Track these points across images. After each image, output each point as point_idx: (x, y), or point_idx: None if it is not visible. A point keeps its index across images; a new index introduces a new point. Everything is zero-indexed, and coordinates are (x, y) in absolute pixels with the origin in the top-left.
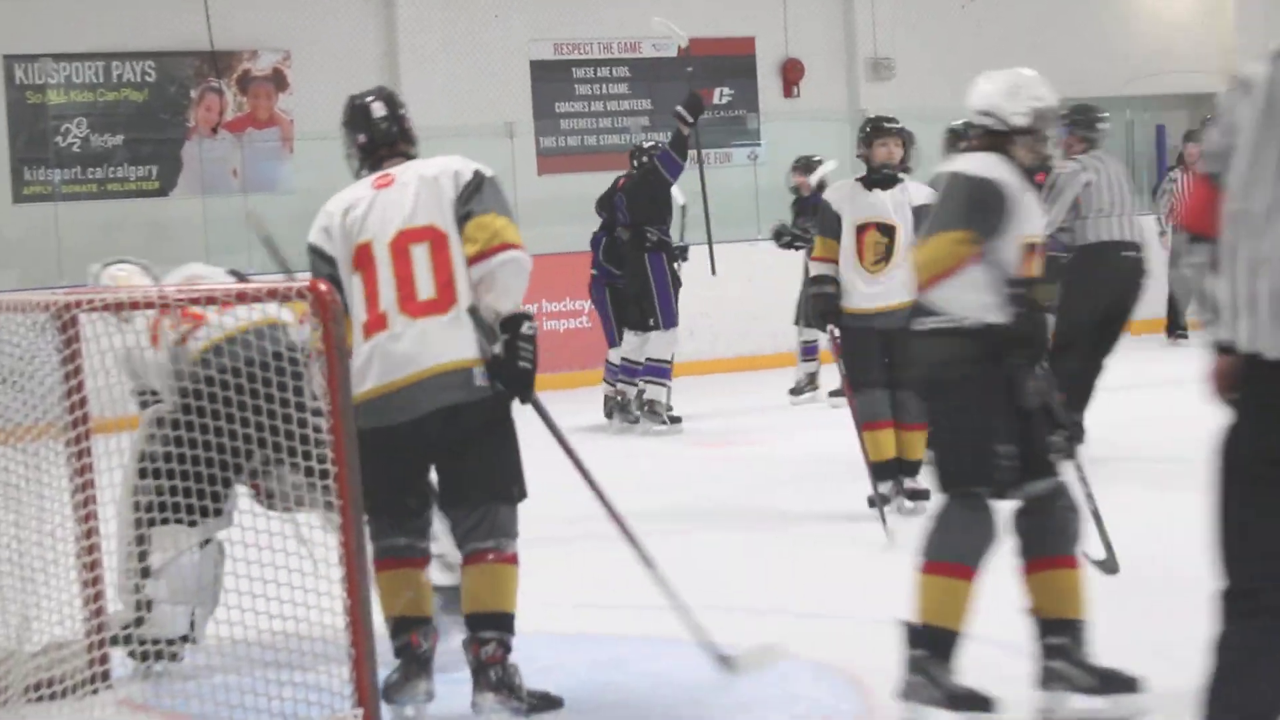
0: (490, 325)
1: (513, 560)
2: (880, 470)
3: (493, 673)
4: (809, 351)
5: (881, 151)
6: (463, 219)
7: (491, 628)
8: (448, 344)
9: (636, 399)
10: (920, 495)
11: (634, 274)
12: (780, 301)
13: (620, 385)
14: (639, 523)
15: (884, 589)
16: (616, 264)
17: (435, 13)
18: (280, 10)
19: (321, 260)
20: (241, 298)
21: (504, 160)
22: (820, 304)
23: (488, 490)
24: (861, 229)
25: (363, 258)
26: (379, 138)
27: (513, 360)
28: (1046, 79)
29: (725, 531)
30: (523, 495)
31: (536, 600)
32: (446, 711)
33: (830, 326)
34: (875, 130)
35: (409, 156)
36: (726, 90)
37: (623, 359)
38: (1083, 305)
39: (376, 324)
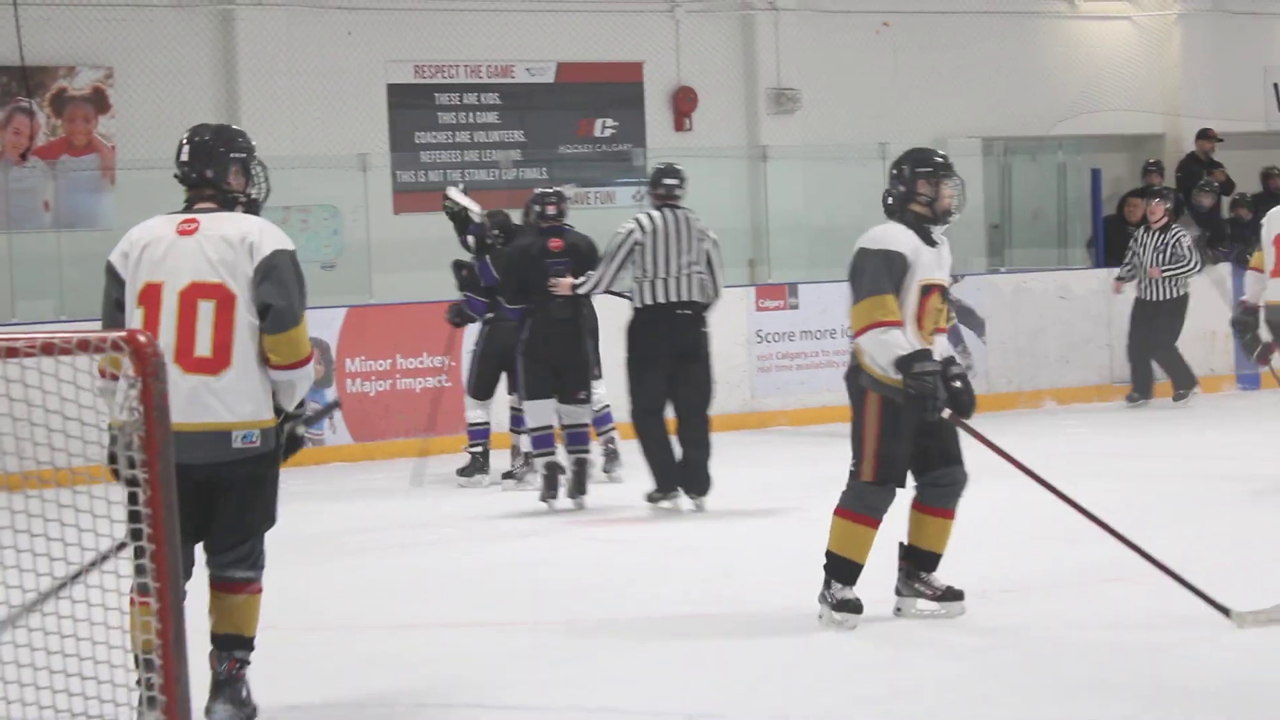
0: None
1: (260, 591)
2: None
3: (235, 686)
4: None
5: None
6: (263, 309)
7: (241, 648)
8: (211, 406)
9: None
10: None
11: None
12: None
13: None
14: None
15: (777, 688)
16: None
17: (280, 28)
18: (102, 22)
19: (114, 281)
20: (48, 349)
21: (356, 196)
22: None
23: (248, 529)
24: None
25: (149, 296)
26: (184, 180)
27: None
28: (969, 115)
29: (599, 621)
30: (270, 525)
31: (377, 699)
32: None
33: None
34: (946, 169)
35: (227, 203)
36: (610, 122)
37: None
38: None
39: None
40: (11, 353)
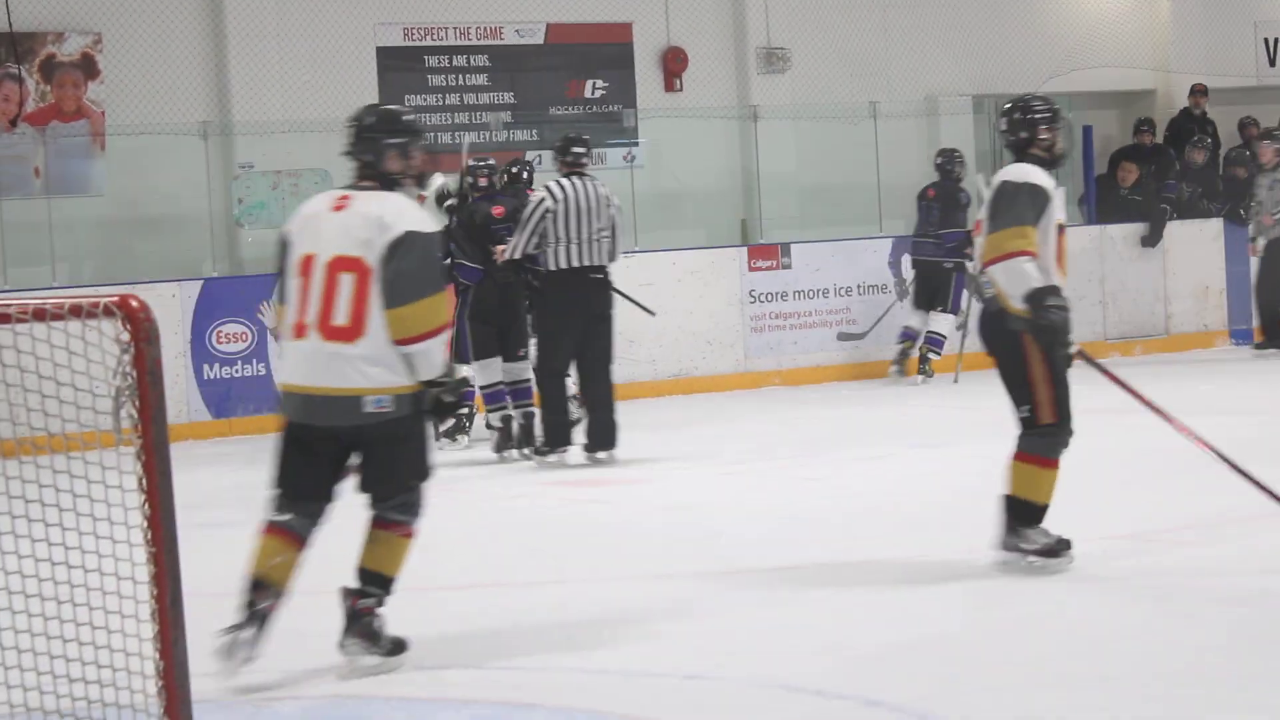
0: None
1: (409, 535)
2: None
3: (363, 622)
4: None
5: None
6: (391, 280)
7: (377, 585)
8: (345, 373)
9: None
10: None
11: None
12: (657, 322)
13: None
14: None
15: (771, 649)
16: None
17: None
18: None
19: (282, 249)
20: (40, 315)
21: (346, 159)
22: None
23: (398, 484)
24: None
25: (305, 267)
26: (352, 158)
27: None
28: (960, 72)
29: (593, 583)
30: (422, 479)
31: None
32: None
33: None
34: (1060, 115)
35: (388, 184)
36: (599, 83)
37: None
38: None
39: (300, 330)
40: (4, 318)
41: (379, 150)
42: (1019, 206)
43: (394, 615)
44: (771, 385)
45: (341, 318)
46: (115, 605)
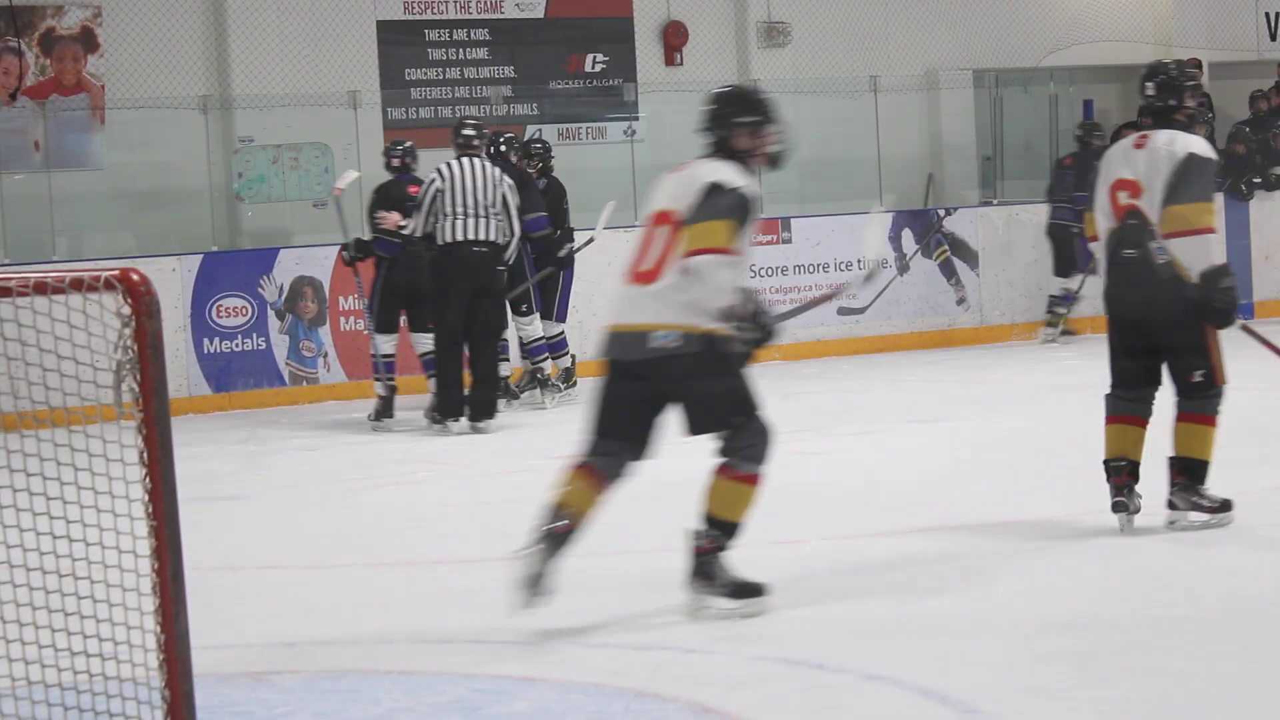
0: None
1: (739, 480)
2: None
3: (703, 562)
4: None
5: None
6: (690, 216)
7: (714, 528)
8: (637, 310)
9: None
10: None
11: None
12: None
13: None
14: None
15: (770, 623)
16: None
17: None
18: None
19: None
20: (41, 289)
21: (347, 133)
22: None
23: (718, 420)
24: None
25: (648, 223)
26: (707, 134)
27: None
28: (960, 47)
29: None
30: (742, 416)
31: (375, 635)
32: None
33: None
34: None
35: (734, 158)
36: (600, 57)
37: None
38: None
39: (625, 277)
40: (4, 292)
41: (729, 128)
42: (1206, 181)
43: (392, 590)
44: (771, 359)
45: (648, 264)
46: (116, 579)
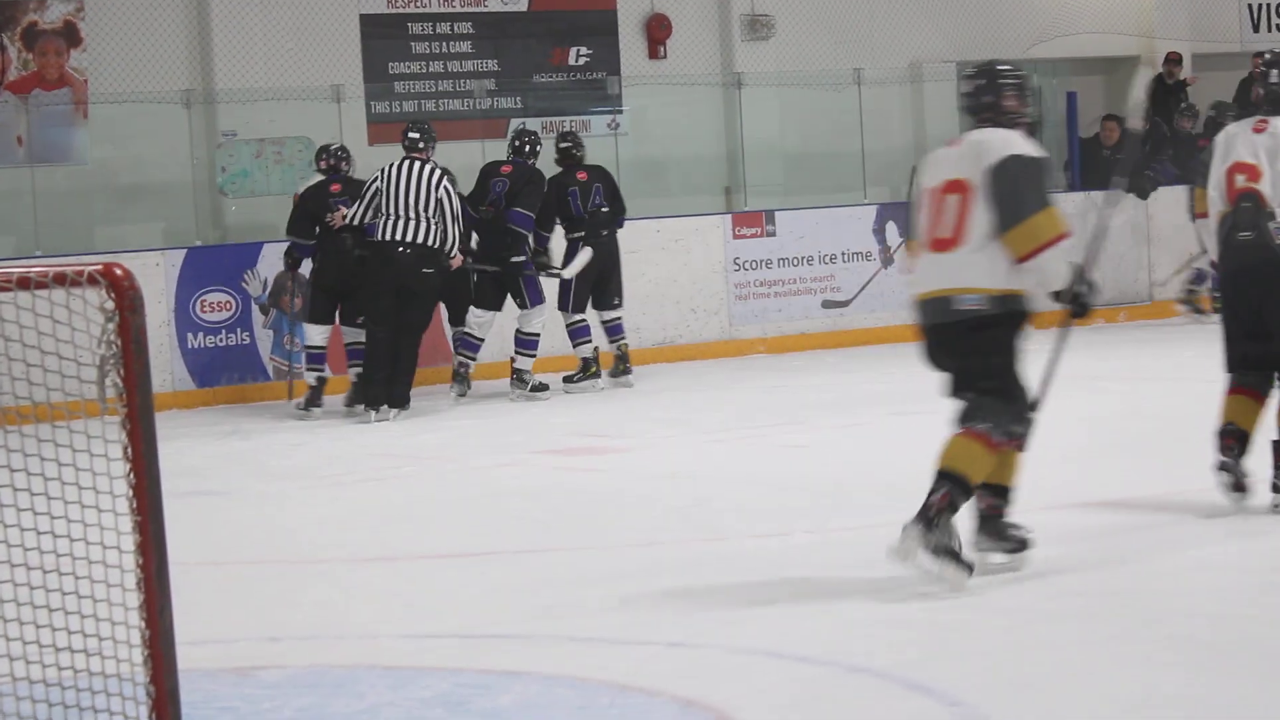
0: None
1: (978, 438)
2: None
3: (929, 513)
4: (580, 334)
5: None
6: (997, 205)
7: (948, 482)
8: (942, 276)
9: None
10: None
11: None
12: (642, 289)
13: (463, 357)
14: (481, 539)
15: (755, 616)
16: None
17: None
18: None
19: (912, 190)
20: (24, 283)
21: (331, 127)
22: None
23: (973, 383)
24: None
25: (926, 196)
26: (968, 107)
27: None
28: (944, 39)
29: (580, 551)
30: (996, 384)
31: (359, 630)
32: None
33: None
34: None
35: (1004, 124)
36: (584, 50)
37: (464, 334)
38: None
39: (920, 248)
40: None
41: (999, 90)
42: None
43: (377, 584)
44: (756, 353)
45: (945, 231)
46: (100, 575)
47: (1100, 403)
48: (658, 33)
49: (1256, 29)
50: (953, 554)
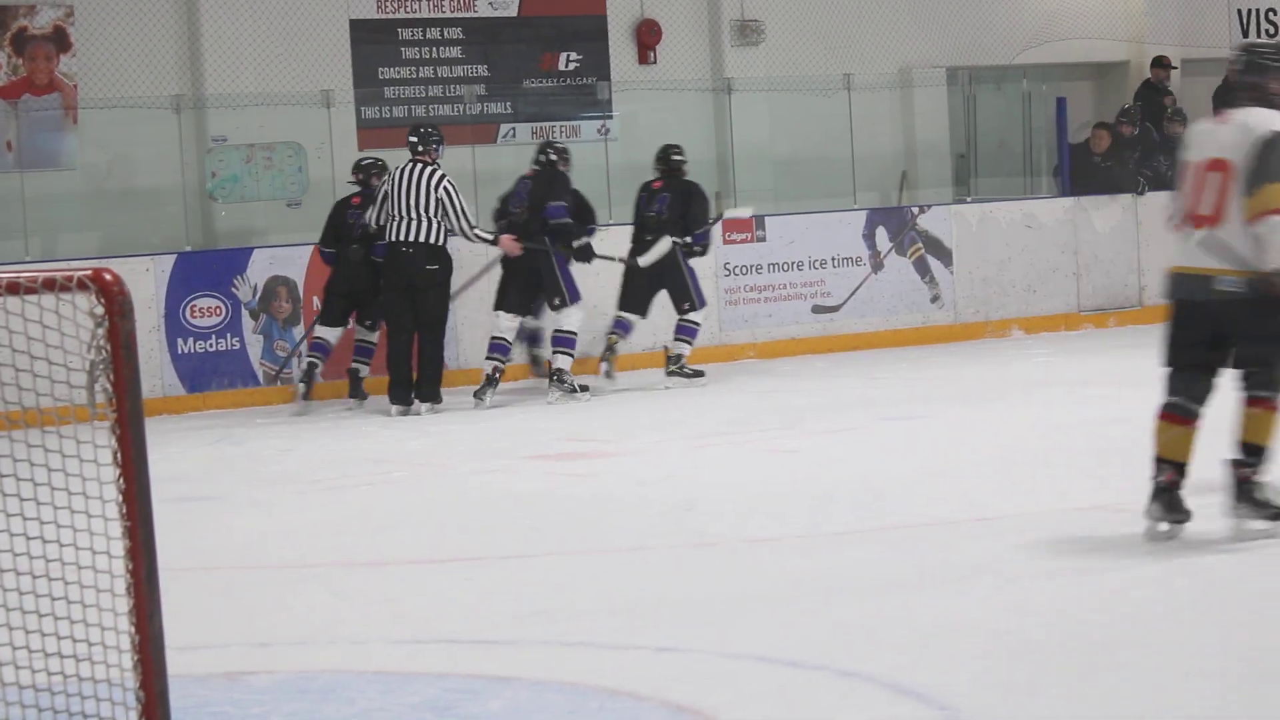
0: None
1: (1270, 407)
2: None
3: (1246, 489)
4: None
5: None
6: (1247, 172)
7: (1251, 455)
8: (1201, 254)
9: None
10: None
11: (535, 254)
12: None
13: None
14: (471, 544)
15: (745, 621)
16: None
17: None
18: None
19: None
20: (14, 289)
21: (320, 133)
22: None
23: (1256, 358)
24: None
25: (1190, 171)
26: (1236, 86)
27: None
28: (933, 44)
29: (569, 555)
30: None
31: (349, 635)
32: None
33: None
34: None
35: (1265, 103)
36: (574, 56)
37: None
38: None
39: (1183, 223)
40: None
41: (1265, 71)
42: None
43: (366, 590)
44: (746, 358)
45: (1207, 208)
46: (90, 580)
47: (1087, 409)
48: (647, 38)
49: (1246, 33)
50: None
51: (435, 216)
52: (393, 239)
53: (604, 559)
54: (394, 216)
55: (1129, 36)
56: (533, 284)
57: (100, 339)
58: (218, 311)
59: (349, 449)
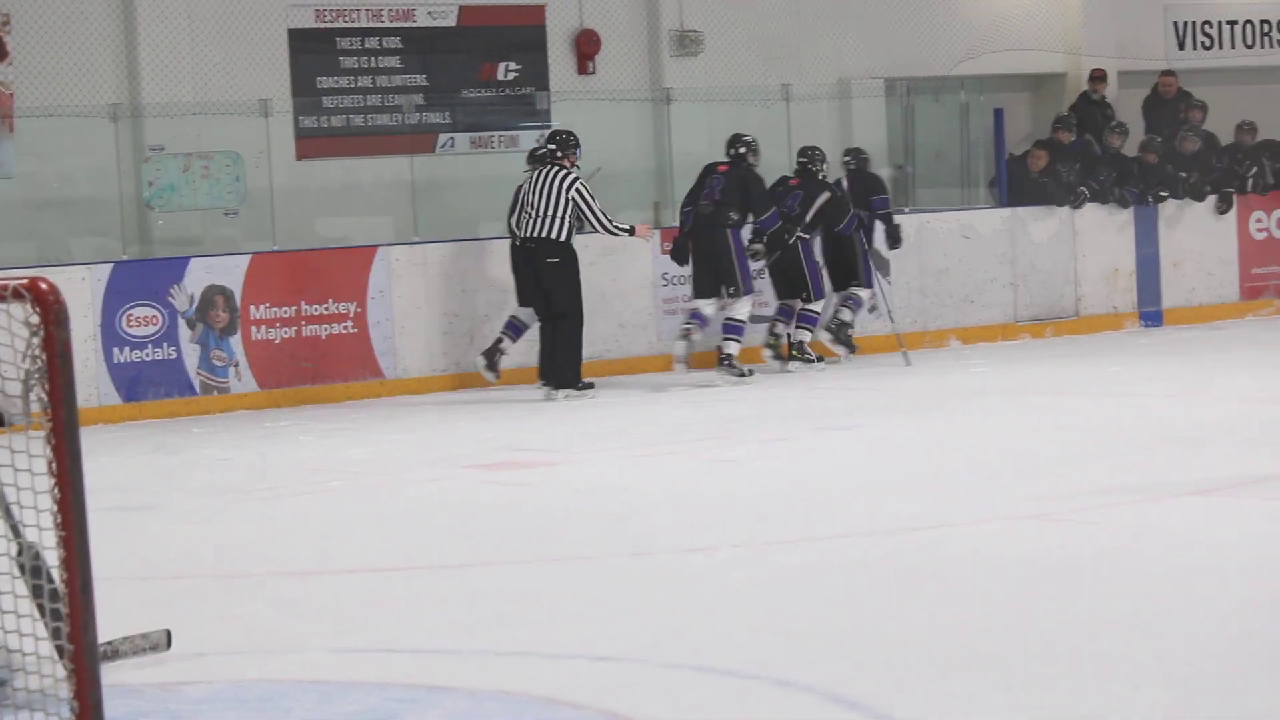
0: None
1: None
2: None
3: None
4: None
5: None
6: None
7: None
8: None
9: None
10: None
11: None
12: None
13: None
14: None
15: (683, 630)
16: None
17: None
18: None
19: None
20: None
21: (257, 142)
22: None
23: None
24: None
25: None
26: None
27: None
28: (872, 55)
29: (508, 565)
30: None
31: (286, 644)
32: None
33: None
34: None
35: None
36: (512, 66)
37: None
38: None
39: None
40: None
41: None
42: None
43: (303, 599)
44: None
45: None
46: (24, 589)
47: (1025, 418)
48: (586, 48)
49: (1181, 46)
50: None
51: (561, 215)
52: (521, 235)
53: (543, 568)
54: (522, 216)
55: (1067, 48)
56: (723, 273)
57: (36, 348)
58: (154, 321)
59: (286, 458)
